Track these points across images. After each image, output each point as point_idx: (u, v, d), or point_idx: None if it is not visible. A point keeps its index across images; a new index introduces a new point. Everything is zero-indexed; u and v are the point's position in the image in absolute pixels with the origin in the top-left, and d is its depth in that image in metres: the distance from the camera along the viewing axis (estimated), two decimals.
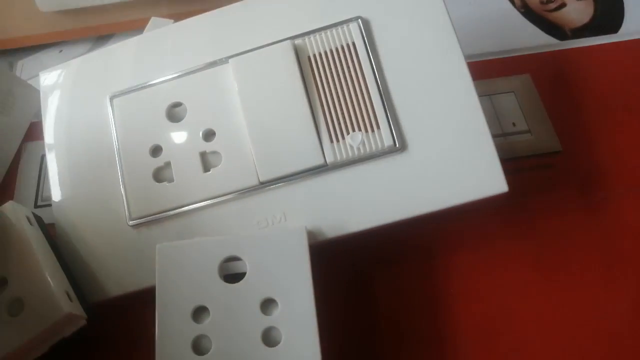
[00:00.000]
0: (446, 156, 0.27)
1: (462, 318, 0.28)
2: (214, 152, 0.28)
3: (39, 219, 0.28)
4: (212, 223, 0.27)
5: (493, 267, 0.30)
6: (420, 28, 0.28)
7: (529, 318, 0.28)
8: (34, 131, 0.36)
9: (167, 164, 0.28)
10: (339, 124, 0.27)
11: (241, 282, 0.25)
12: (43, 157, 0.35)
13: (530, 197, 0.31)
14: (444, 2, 0.28)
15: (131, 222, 0.28)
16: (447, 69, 0.27)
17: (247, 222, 0.27)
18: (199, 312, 0.25)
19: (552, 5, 0.39)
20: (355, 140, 0.27)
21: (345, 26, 0.28)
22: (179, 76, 0.29)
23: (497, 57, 0.37)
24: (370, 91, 0.27)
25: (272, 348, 0.24)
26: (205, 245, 0.25)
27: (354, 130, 0.27)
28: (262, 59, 0.28)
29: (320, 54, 0.28)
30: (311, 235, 0.26)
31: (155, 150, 0.28)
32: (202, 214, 0.28)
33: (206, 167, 0.28)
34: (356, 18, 0.28)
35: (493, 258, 0.30)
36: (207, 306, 0.24)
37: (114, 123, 0.29)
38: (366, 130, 0.27)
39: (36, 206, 0.34)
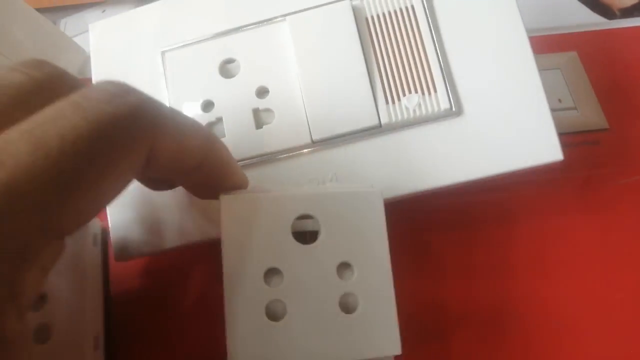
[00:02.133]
0: (502, 122, 0.26)
1: (520, 288, 0.28)
2: (267, 110, 0.28)
3: (104, 234, 0.28)
4: (262, 180, 0.27)
5: (537, 240, 0.29)
6: None
7: (578, 294, 0.28)
8: None
9: (219, 120, 0.28)
10: (395, 85, 0.27)
11: (315, 243, 0.23)
12: None
13: (576, 172, 0.31)
14: None
15: None
16: (505, 35, 0.27)
17: (298, 181, 0.27)
18: (271, 275, 0.22)
19: None
20: (411, 102, 0.27)
21: None
22: (233, 31, 0.29)
23: (543, 34, 0.36)
24: (427, 54, 0.27)
25: (349, 315, 0.22)
26: (276, 200, 0.23)
27: (410, 92, 0.27)
28: (320, 18, 0.28)
29: (378, 16, 0.28)
30: None
31: (207, 105, 0.28)
32: (253, 171, 0.27)
33: (258, 124, 0.28)
34: None
35: (539, 231, 0.30)
36: (280, 268, 0.22)
37: (166, 78, 0.29)
38: (422, 93, 0.27)
39: None
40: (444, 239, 0.30)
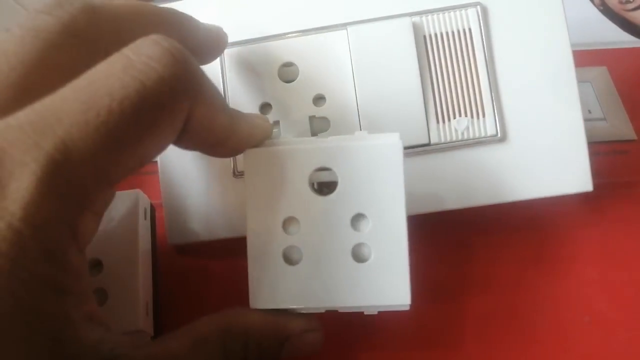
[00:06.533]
0: (541, 151, 0.29)
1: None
2: (323, 118, 0.29)
3: (152, 210, 0.29)
4: None
5: (561, 249, 0.32)
6: (535, 25, 0.29)
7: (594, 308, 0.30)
8: None
9: (276, 123, 0.29)
10: (447, 106, 0.29)
11: (332, 195, 0.24)
12: None
13: (603, 179, 0.32)
14: (562, 3, 0.29)
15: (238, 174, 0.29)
16: (555, 70, 0.29)
17: None
18: (289, 223, 0.24)
19: (631, 5, 0.40)
20: (460, 125, 0.28)
21: (463, 10, 0.29)
22: (294, 35, 0.29)
23: (575, 49, 0.38)
24: (480, 78, 0.29)
25: (361, 264, 0.23)
26: (295, 153, 0.24)
27: (460, 115, 0.29)
28: (381, 32, 0.29)
29: (435, 35, 0.29)
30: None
31: (264, 107, 0.29)
32: None
33: (314, 131, 0.29)
34: (475, 4, 0.29)
35: (568, 239, 0.32)
36: (297, 217, 0.24)
37: (225, 75, 0.30)
38: (472, 116, 0.29)
39: None
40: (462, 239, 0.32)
